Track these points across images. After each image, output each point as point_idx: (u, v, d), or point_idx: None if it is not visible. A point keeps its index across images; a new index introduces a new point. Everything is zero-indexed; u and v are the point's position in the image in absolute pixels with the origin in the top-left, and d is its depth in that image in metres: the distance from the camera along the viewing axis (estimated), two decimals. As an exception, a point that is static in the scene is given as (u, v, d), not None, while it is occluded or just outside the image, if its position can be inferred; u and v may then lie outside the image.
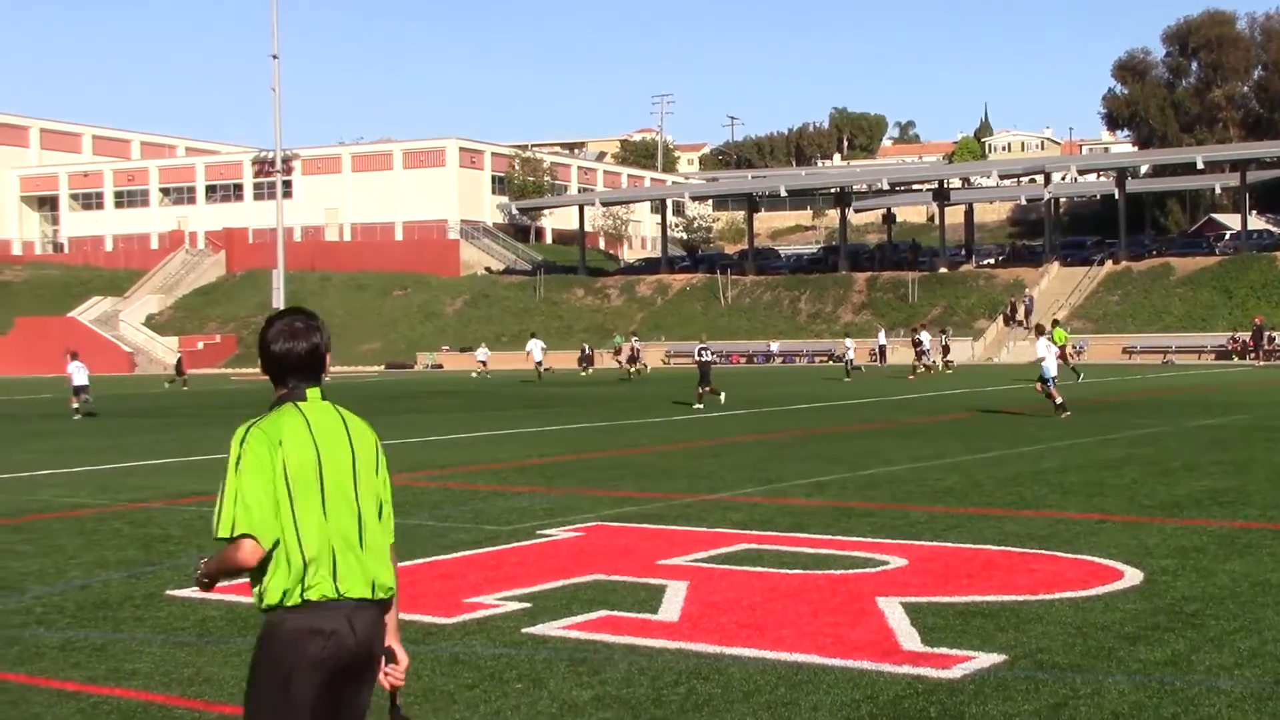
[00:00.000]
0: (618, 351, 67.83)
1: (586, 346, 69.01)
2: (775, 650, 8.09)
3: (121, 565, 11.88)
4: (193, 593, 10.40)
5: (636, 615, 9.22)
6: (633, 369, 60.94)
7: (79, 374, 39.91)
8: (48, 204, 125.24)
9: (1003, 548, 11.70)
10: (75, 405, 38.94)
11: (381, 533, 4.58)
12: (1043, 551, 11.47)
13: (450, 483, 18.29)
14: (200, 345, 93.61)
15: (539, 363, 59.53)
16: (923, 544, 11.99)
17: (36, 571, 11.66)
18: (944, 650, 8.02)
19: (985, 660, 7.77)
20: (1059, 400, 28.46)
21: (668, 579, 10.46)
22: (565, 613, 9.33)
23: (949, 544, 11.98)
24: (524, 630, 8.82)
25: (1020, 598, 9.51)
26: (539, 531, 13.32)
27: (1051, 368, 29.03)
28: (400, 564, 11.61)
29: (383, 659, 4.52)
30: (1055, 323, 44.33)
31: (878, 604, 9.34)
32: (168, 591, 10.52)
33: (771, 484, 17.20)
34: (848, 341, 59.79)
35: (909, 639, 8.32)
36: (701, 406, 34.19)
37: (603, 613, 9.32)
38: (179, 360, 66.00)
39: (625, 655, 8.08)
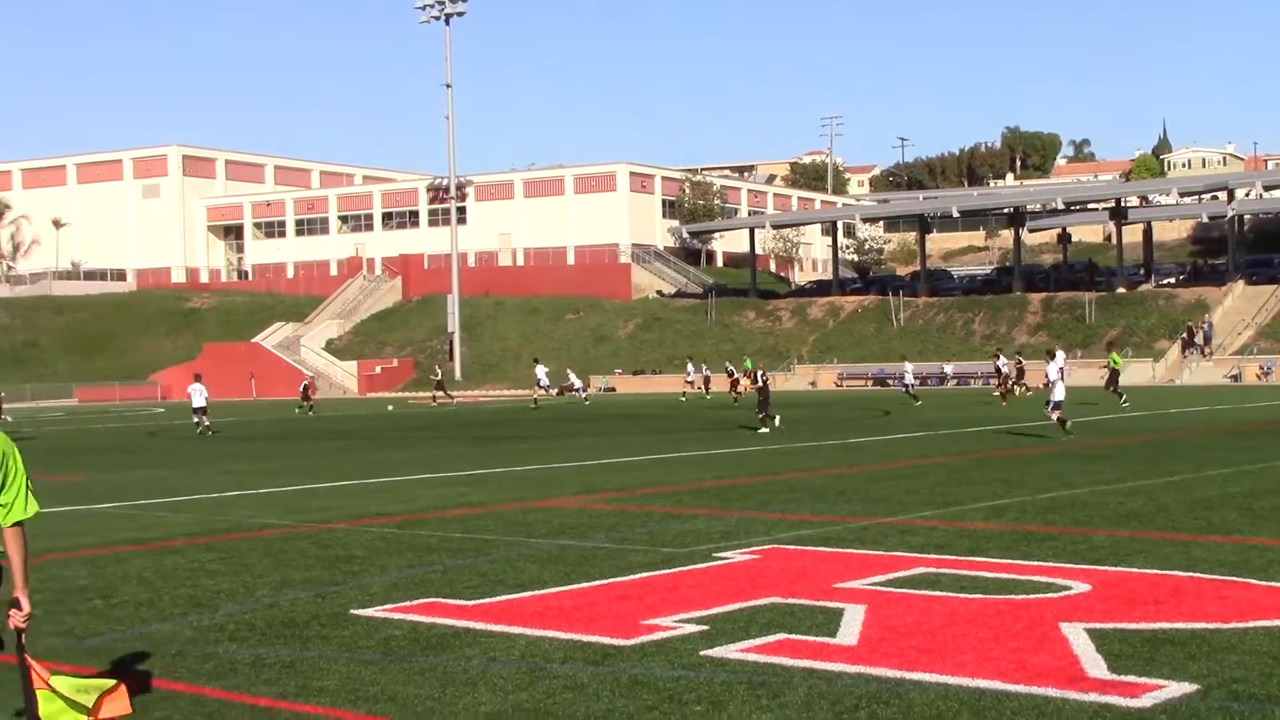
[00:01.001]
0: (740, 377, 66.17)
1: (693, 367, 70.49)
2: (957, 675, 7.96)
3: (307, 584, 12.17)
4: (376, 612, 10.62)
5: (815, 638, 9.15)
6: (735, 393, 61.80)
7: (197, 396, 42.63)
8: (233, 233, 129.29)
9: (1191, 574, 11.37)
10: (198, 423, 42.58)
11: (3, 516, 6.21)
12: (1234, 578, 11.11)
13: (626, 505, 18.40)
14: (378, 369, 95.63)
15: (546, 387, 62.94)
16: (1106, 569, 11.71)
17: (227, 590, 12.02)
18: (1132, 678, 7.80)
19: (1176, 690, 7.54)
20: (1063, 423, 30.58)
21: (845, 602, 10.38)
22: (743, 635, 9.30)
23: (1134, 569, 11.67)
24: (702, 653, 8.81)
25: (1212, 625, 9.22)
26: (715, 554, 13.32)
27: (1059, 392, 31.10)
28: (576, 585, 11.65)
29: (10, 606, 6.08)
30: (1109, 345, 47.14)
31: (1061, 630, 9.14)
32: (352, 610, 10.74)
33: (949, 507, 16.96)
34: (907, 365, 58.90)
35: (1095, 666, 8.12)
36: (767, 430, 34.94)
37: (780, 635, 9.27)
38: (305, 386, 66.15)
39: (804, 679, 8.02)
